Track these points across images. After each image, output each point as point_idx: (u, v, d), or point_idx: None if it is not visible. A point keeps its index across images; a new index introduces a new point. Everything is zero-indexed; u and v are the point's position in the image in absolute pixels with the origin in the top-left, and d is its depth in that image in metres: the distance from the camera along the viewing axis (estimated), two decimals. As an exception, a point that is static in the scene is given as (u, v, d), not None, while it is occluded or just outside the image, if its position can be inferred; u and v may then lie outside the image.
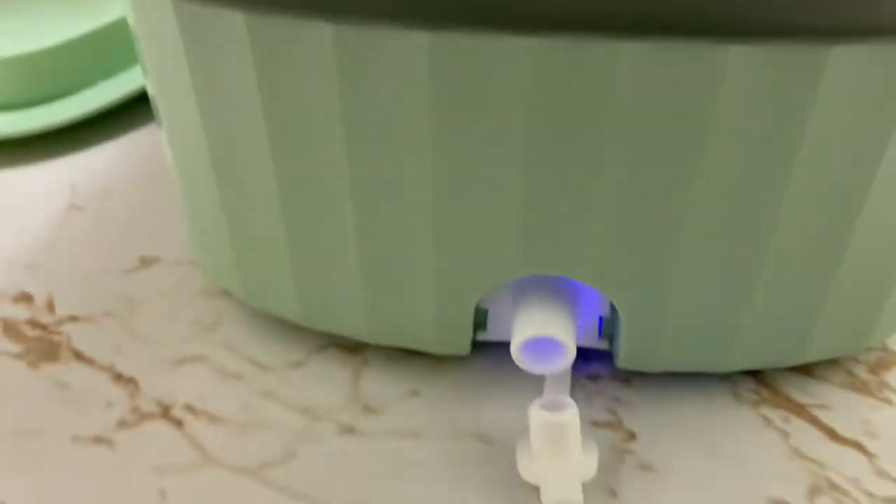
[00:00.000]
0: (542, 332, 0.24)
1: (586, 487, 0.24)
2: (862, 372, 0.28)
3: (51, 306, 0.30)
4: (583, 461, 0.23)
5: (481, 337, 0.27)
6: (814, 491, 0.24)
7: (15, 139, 0.38)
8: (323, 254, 0.25)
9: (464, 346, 0.26)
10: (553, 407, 0.23)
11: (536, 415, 0.23)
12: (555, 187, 0.22)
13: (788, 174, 0.21)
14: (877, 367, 0.28)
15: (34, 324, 0.29)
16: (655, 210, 0.22)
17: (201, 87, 0.23)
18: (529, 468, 0.23)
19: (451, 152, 0.22)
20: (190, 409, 0.26)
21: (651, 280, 0.23)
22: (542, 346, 0.24)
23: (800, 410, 0.27)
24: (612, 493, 0.24)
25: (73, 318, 0.30)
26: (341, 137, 0.22)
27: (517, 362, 0.24)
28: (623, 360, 0.26)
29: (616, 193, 0.22)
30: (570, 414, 0.23)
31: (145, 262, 0.32)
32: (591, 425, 0.26)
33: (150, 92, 0.27)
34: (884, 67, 0.19)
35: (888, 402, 0.27)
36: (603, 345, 0.27)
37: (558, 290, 0.25)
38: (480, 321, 0.27)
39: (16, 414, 0.26)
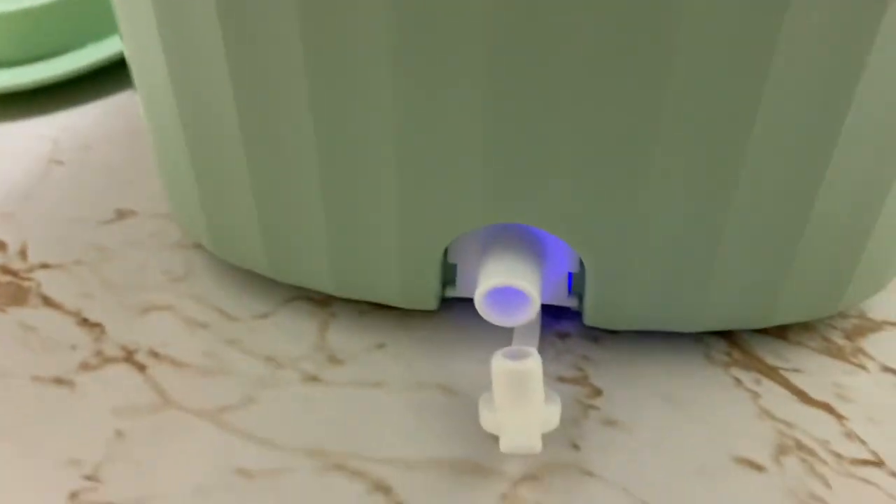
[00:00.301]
0: (506, 281, 0.23)
1: (548, 440, 0.24)
2: (838, 338, 0.27)
3: (23, 254, 0.30)
4: (544, 411, 0.23)
5: (450, 293, 0.27)
6: (780, 451, 0.24)
7: (2, 95, 0.38)
8: (288, 204, 0.25)
9: (431, 301, 0.26)
10: (516, 356, 0.23)
11: (498, 363, 0.23)
12: (515, 132, 0.21)
13: (752, 118, 0.20)
14: (853, 334, 0.27)
15: (5, 270, 0.29)
16: (617, 156, 0.21)
17: (169, 40, 0.23)
18: (490, 419, 0.23)
19: (412, 95, 0.21)
20: (153, 354, 0.26)
21: (616, 230, 0.23)
22: (507, 298, 0.24)
23: (772, 373, 0.26)
24: (575, 447, 0.24)
25: (45, 266, 0.29)
26: (304, 84, 0.22)
27: (481, 312, 0.24)
28: (590, 316, 0.26)
29: (576, 138, 0.21)
30: (532, 362, 0.23)
31: (121, 215, 0.32)
32: (557, 380, 0.26)
33: (126, 53, 0.27)
34: (848, 12, 0.19)
35: (863, 367, 0.26)
36: (572, 302, 0.26)
37: (525, 243, 0.25)
38: (450, 278, 0.26)
39: (-21, 354, 0.26)
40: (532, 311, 0.24)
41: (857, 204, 0.23)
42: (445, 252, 0.26)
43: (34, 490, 0.22)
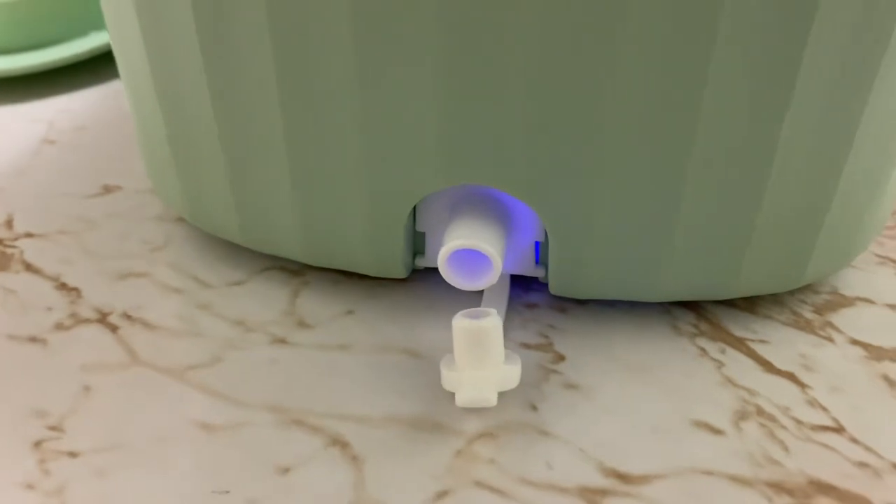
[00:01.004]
0: (469, 243, 0.23)
1: (507, 401, 0.24)
2: (807, 312, 0.27)
3: (9, 224, 0.31)
4: (503, 370, 0.23)
5: (420, 263, 0.27)
6: (740, 416, 0.24)
7: (2, 80, 0.39)
8: (257, 171, 0.25)
9: (400, 270, 0.26)
10: (476, 316, 0.23)
11: (458, 321, 0.23)
12: (469, 93, 0.22)
13: (703, 79, 0.21)
14: (823, 309, 0.27)
15: (-10, 238, 0.30)
16: (570, 115, 0.22)
17: (142, 6, 0.24)
18: (450, 377, 0.23)
19: (370, 59, 0.22)
20: (126, 316, 0.27)
21: (572, 191, 0.23)
22: (471, 262, 0.24)
23: (738, 343, 0.26)
24: (533, 408, 0.24)
25: (29, 235, 0.30)
26: (269, 50, 0.22)
27: (444, 274, 0.24)
28: (555, 285, 0.26)
29: (528, 98, 0.21)
30: (491, 321, 0.23)
31: (107, 190, 0.33)
32: (521, 347, 0.26)
33: (107, 25, 0.27)
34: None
35: (830, 339, 0.26)
36: (539, 273, 0.27)
37: (491, 210, 0.25)
38: (419, 249, 0.27)
39: (-42, 313, 0.27)
40: (494, 275, 0.24)
41: (814, 172, 0.23)
42: (414, 221, 0.26)
43: (1, 438, 0.23)
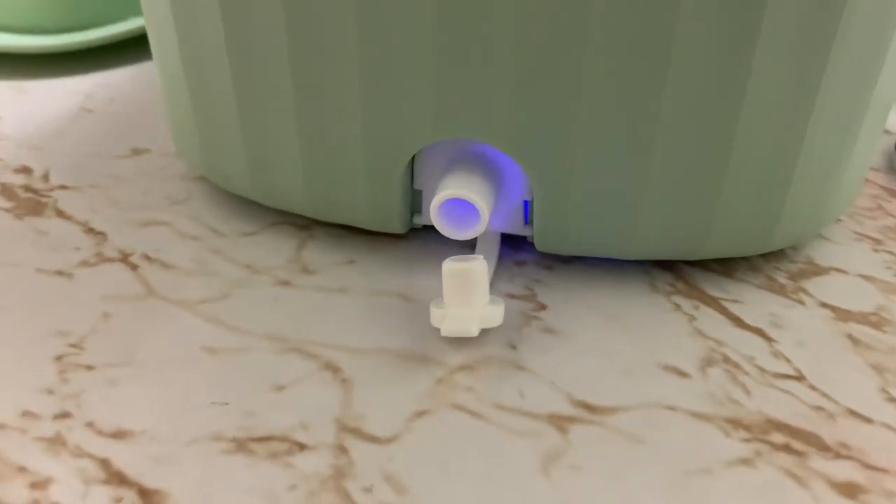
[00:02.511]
0: (459, 193, 0.25)
1: (488, 340, 0.26)
2: (781, 278, 0.29)
3: (46, 177, 0.33)
4: (487, 309, 0.25)
5: (417, 221, 0.29)
6: (707, 362, 0.25)
7: (50, 54, 0.43)
8: (269, 128, 0.28)
9: (397, 224, 0.28)
10: (464, 260, 0.25)
11: (447, 264, 0.25)
12: (459, 51, 0.24)
13: (669, 45, 0.23)
14: (797, 276, 0.29)
15: (27, 188, 0.33)
16: (552, 73, 0.24)
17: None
18: (438, 314, 0.25)
19: (371, 10, 0.24)
20: (146, 257, 0.29)
21: (555, 146, 0.25)
22: (460, 213, 0.26)
23: (711, 301, 0.28)
24: (513, 347, 0.26)
25: (63, 187, 0.33)
26: (280, 9, 0.25)
27: (435, 223, 0.26)
28: (540, 241, 0.28)
29: (512, 54, 0.24)
30: (477, 263, 0.25)
31: (136, 152, 0.35)
32: (506, 296, 0.28)
33: (143, 9, 0.30)
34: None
35: (801, 302, 0.28)
36: (527, 231, 0.28)
37: (482, 167, 0.27)
38: (417, 207, 0.29)
39: (-6, 249, 0.29)
40: (481, 226, 0.26)
41: (777, 140, 0.25)
42: (412, 179, 0.28)
43: (26, 352, 0.25)
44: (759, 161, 0.25)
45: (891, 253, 0.30)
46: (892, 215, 0.32)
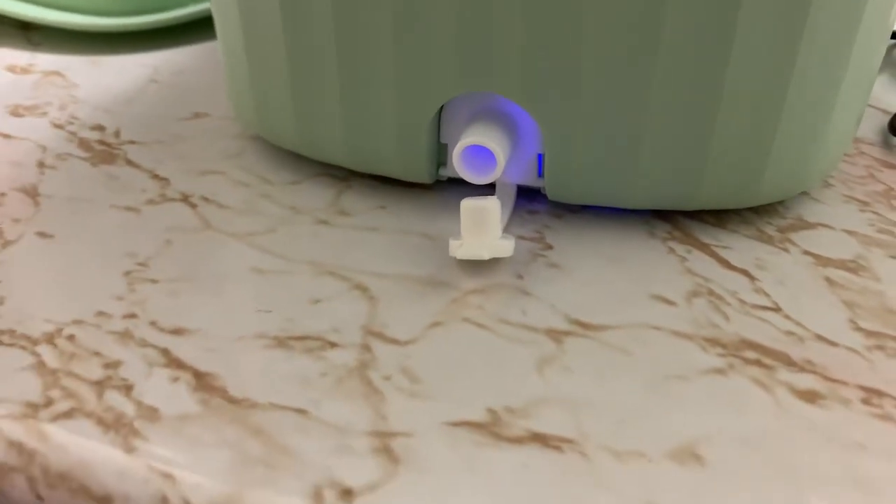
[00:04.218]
0: (478, 140, 0.29)
1: (498, 270, 0.29)
2: (771, 230, 0.32)
3: (117, 134, 0.38)
4: (499, 242, 0.28)
5: (443, 173, 0.33)
6: (693, 294, 0.28)
7: (122, 33, 0.47)
8: (313, 88, 0.32)
9: (425, 175, 0.32)
10: (480, 199, 0.29)
11: (465, 202, 0.28)
12: (479, 9, 0.28)
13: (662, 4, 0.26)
14: (786, 229, 0.32)
15: (101, 142, 0.37)
16: (559, 32, 0.27)
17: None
18: (455, 245, 0.29)
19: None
20: (204, 198, 0.33)
21: (563, 100, 0.28)
22: (479, 159, 0.30)
23: (703, 247, 0.31)
24: (519, 277, 0.29)
25: (132, 142, 0.37)
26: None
27: (457, 167, 0.30)
28: (550, 190, 0.31)
29: (524, 13, 0.27)
30: (491, 202, 0.28)
31: (197, 116, 0.39)
32: (518, 238, 0.31)
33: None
34: None
35: (786, 250, 0.31)
36: (541, 183, 0.32)
37: (500, 121, 0.30)
38: (443, 160, 0.32)
39: (74, 188, 0.34)
40: (498, 170, 0.29)
41: (760, 97, 0.28)
42: (438, 133, 0.32)
43: (100, 268, 0.29)
44: (746, 114, 0.28)
45: (876, 213, 0.33)
46: (883, 182, 0.35)
